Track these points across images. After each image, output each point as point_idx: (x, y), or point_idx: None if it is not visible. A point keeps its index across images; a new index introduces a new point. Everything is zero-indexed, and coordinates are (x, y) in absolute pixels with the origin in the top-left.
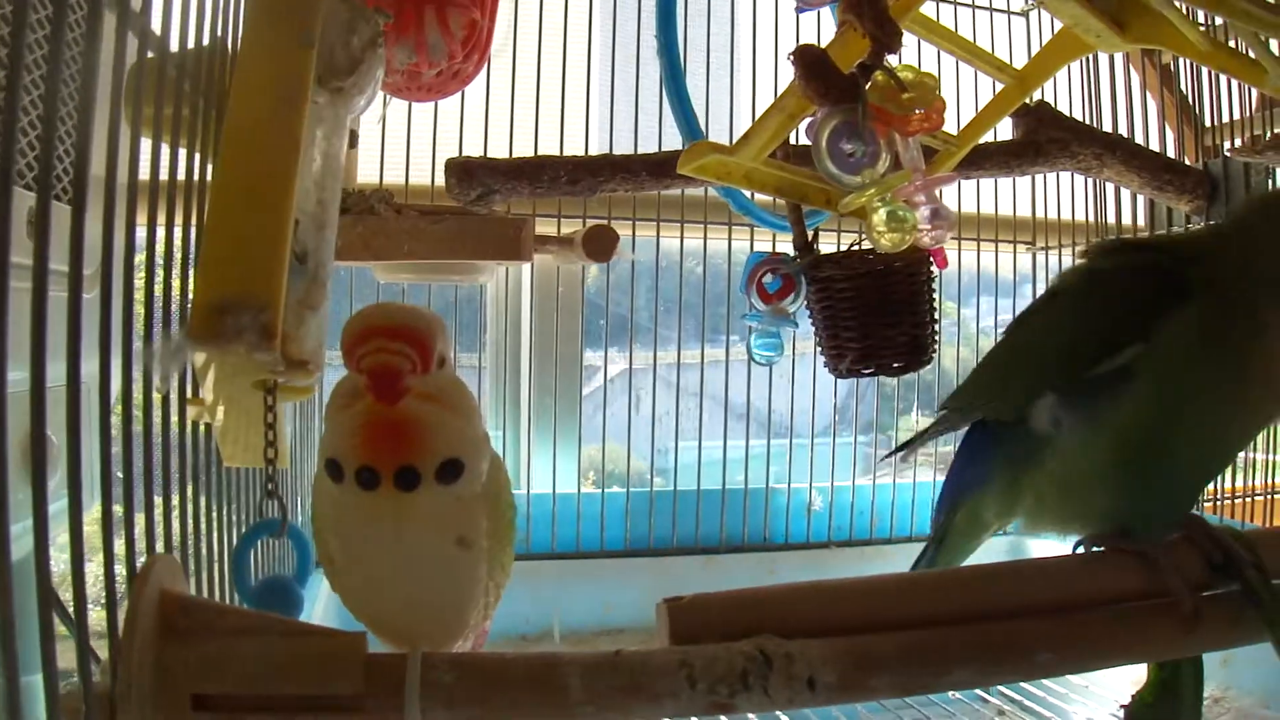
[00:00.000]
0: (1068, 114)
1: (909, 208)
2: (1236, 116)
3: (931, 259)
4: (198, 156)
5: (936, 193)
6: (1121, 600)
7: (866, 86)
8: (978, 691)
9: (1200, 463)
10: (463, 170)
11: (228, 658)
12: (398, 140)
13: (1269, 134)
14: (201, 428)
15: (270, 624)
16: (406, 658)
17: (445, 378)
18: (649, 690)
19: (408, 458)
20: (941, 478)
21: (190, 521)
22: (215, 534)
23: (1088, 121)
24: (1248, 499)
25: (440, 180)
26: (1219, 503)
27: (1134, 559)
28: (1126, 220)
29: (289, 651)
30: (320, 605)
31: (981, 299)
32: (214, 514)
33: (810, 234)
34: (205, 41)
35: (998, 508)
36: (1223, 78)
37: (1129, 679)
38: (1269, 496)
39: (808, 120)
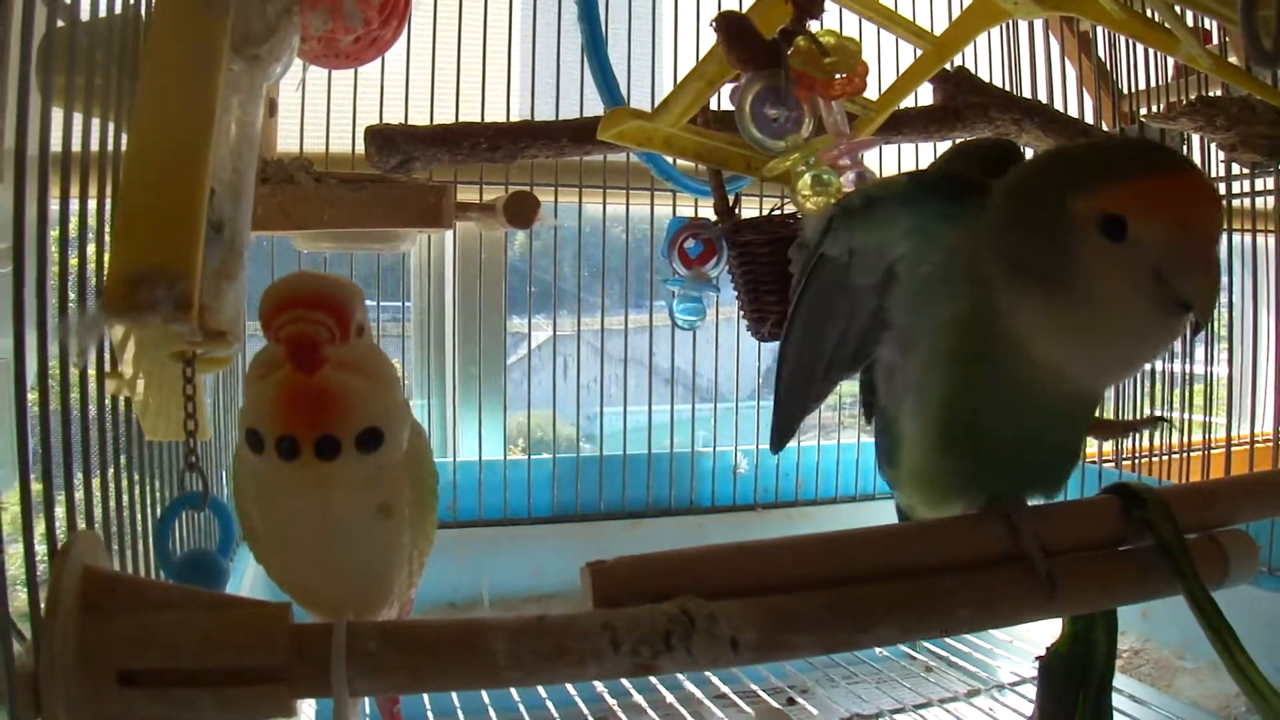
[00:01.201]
0: (987, 81)
1: (834, 171)
2: (1154, 83)
3: None
4: (112, 126)
5: (860, 156)
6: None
7: (789, 52)
8: (904, 648)
9: (1024, 438)
10: (382, 138)
11: (152, 632)
12: (318, 108)
13: (1185, 100)
14: (122, 402)
15: (194, 597)
16: (331, 627)
17: (364, 347)
18: (574, 653)
19: (327, 427)
20: (866, 439)
21: (113, 498)
22: (139, 509)
23: (1007, 88)
24: (1165, 457)
25: (361, 148)
26: (1137, 460)
27: (1002, 523)
28: None
29: (213, 624)
30: (249, 577)
31: None
32: (137, 489)
33: (731, 199)
34: (118, 9)
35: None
36: (1140, 44)
37: (1050, 633)
38: (1185, 454)
39: (730, 85)
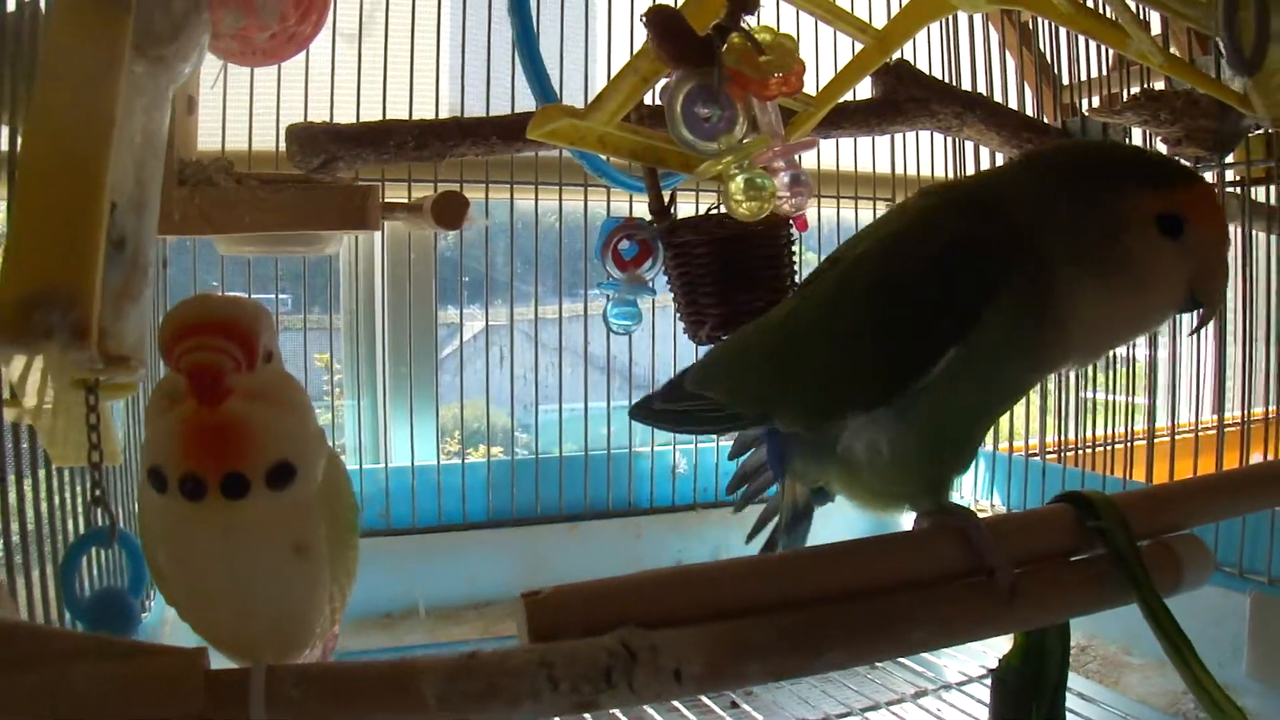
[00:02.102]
0: (927, 73)
1: (768, 174)
2: (1094, 75)
3: (791, 222)
4: (5, 131)
5: (796, 158)
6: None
7: (722, 49)
8: None
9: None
10: (305, 137)
11: (58, 686)
12: (240, 105)
13: (1126, 93)
14: (25, 429)
15: (105, 646)
16: (249, 672)
17: (272, 374)
18: (508, 692)
19: (234, 463)
20: None
21: (16, 535)
22: (48, 547)
23: (947, 81)
24: (1107, 447)
25: (285, 146)
26: (1079, 452)
27: (956, 537)
28: None
29: (124, 674)
30: (172, 611)
31: (831, 247)
32: (44, 526)
33: (667, 197)
34: (13, 6)
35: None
36: (1080, 36)
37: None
38: (1129, 444)
39: (663, 82)
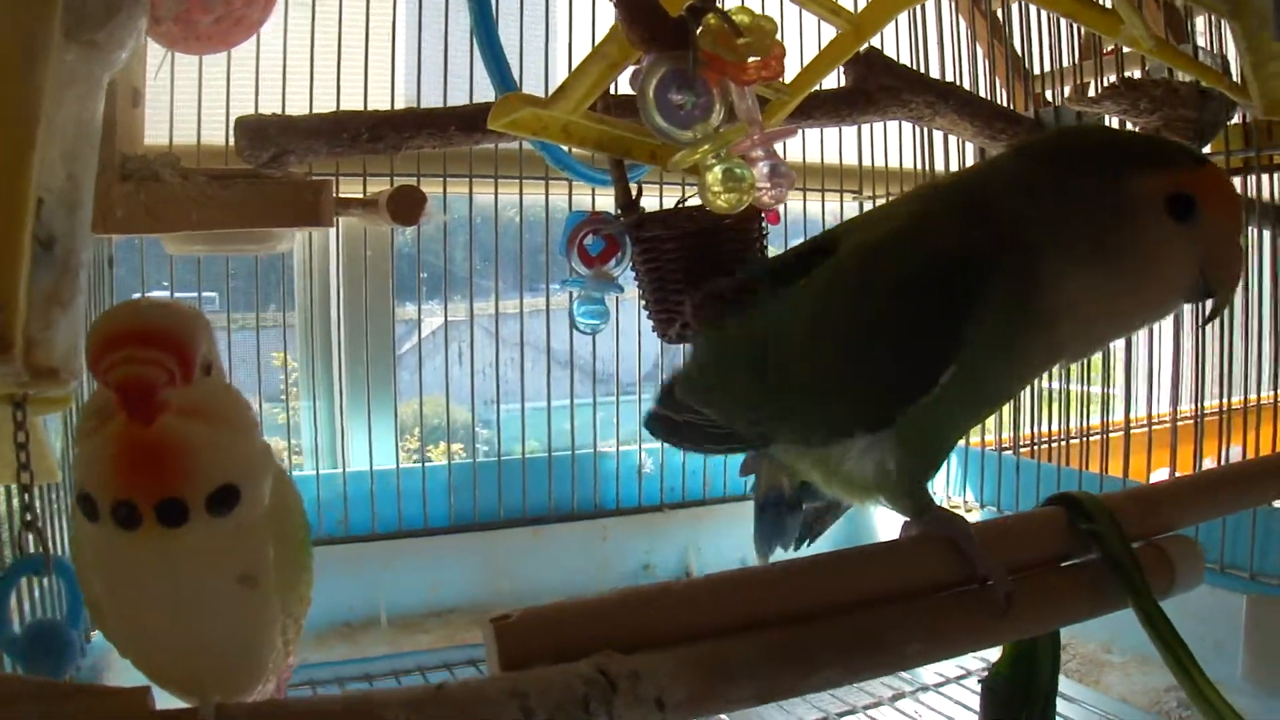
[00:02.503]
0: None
1: (746, 164)
2: (1062, 66)
3: (763, 215)
4: None
5: (776, 147)
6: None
7: (697, 31)
8: None
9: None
10: (254, 129)
11: None
12: (188, 97)
13: (1098, 83)
14: None
15: (45, 689)
16: (197, 713)
17: (212, 387)
18: None
19: (171, 488)
20: None
21: None
22: None
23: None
24: (1081, 440)
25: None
26: (1052, 446)
27: (946, 545)
28: (955, 167)
29: (62, 718)
30: None
31: (797, 238)
32: None
33: (634, 189)
34: None
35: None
36: (1048, 27)
37: None
38: (1105, 436)
39: (632, 69)
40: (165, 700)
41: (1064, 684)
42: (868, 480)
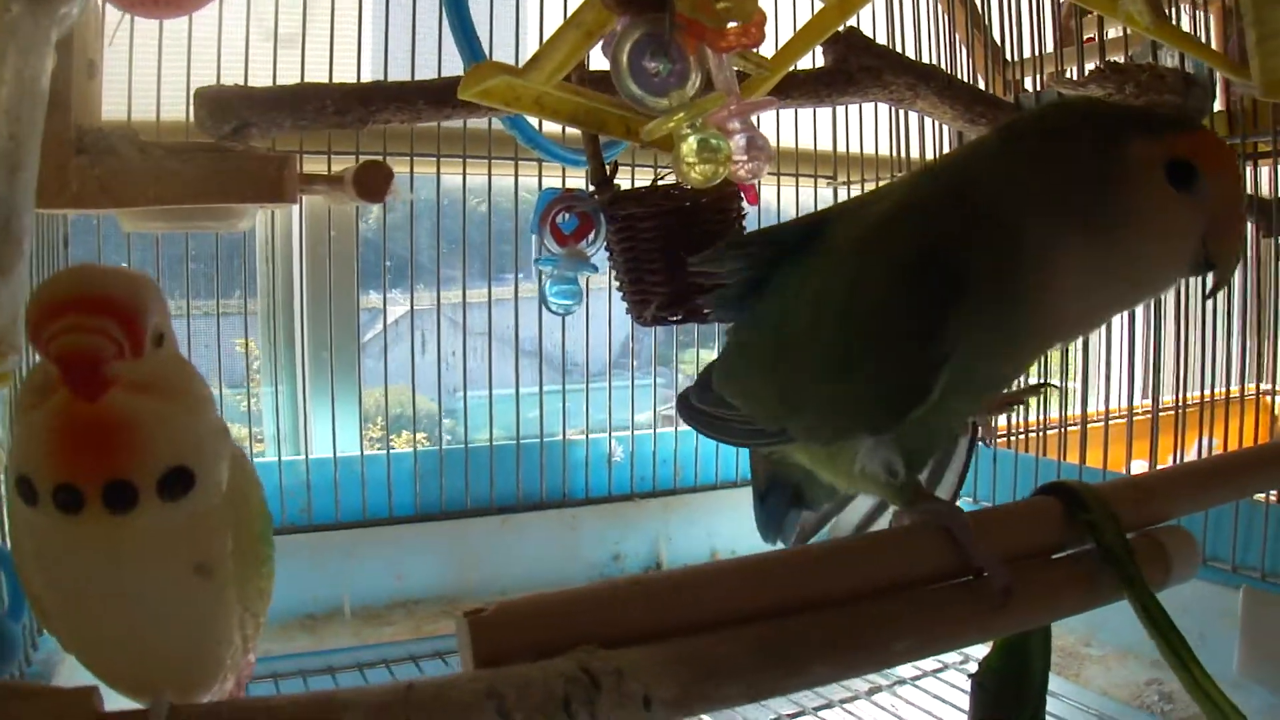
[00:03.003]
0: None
1: (722, 135)
2: (1039, 53)
3: (741, 194)
4: None
5: (753, 119)
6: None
7: None
8: None
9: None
10: (215, 101)
11: None
12: (147, 69)
13: (1075, 70)
14: None
15: None
16: (149, 714)
17: (164, 360)
18: None
19: (118, 470)
20: None
21: None
22: None
23: None
24: (1038, 434)
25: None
26: (1028, 436)
27: (940, 535)
28: (930, 153)
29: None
30: None
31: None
32: None
33: (609, 167)
34: None
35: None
36: (1027, 14)
37: None
38: (1063, 429)
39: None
40: (115, 701)
41: None
42: (878, 477)
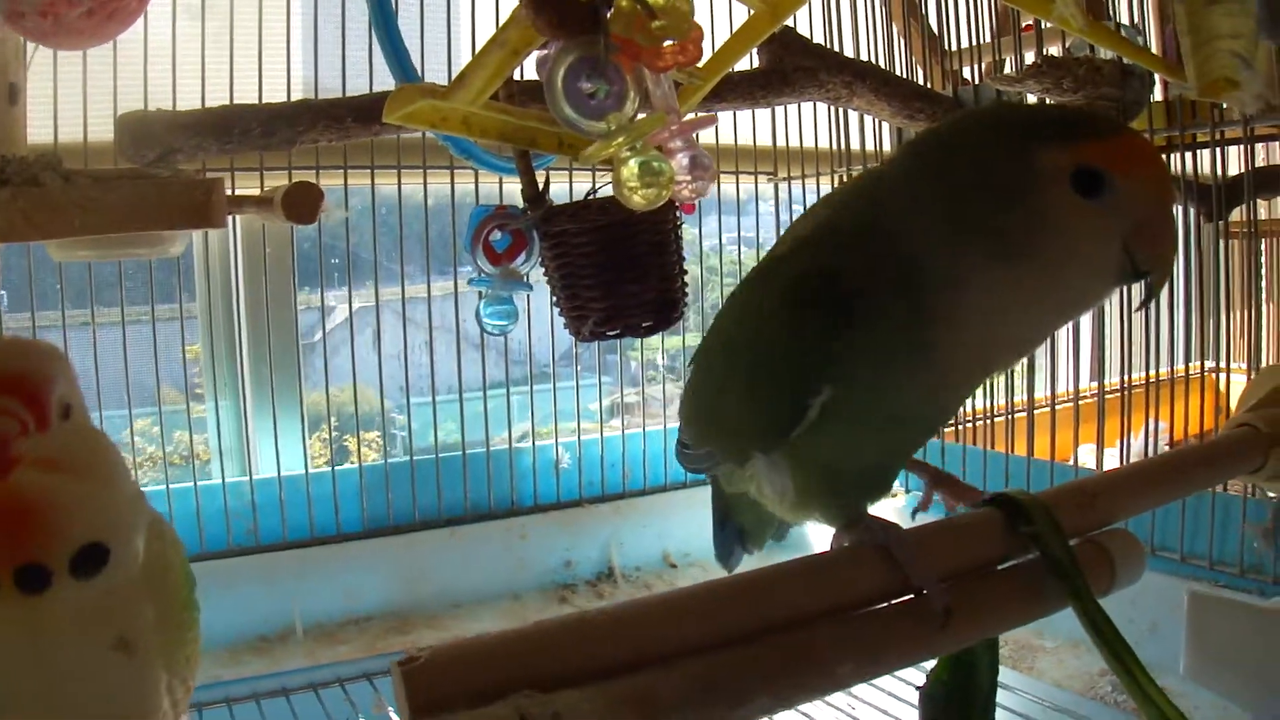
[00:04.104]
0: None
1: (664, 157)
2: (976, 43)
3: (677, 205)
4: None
5: (694, 137)
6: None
7: (608, 14)
8: None
9: (907, 437)
10: (137, 128)
11: None
12: (73, 92)
13: (1013, 59)
14: None
15: None
16: None
17: (72, 433)
18: None
19: (29, 552)
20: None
21: None
22: None
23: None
24: (986, 421)
25: None
26: (959, 427)
27: (880, 555)
28: (871, 147)
29: None
30: None
31: (710, 218)
32: None
33: (542, 180)
34: None
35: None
36: (964, 3)
37: None
38: (1010, 416)
39: (538, 54)
40: None
41: None
42: (774, 498)
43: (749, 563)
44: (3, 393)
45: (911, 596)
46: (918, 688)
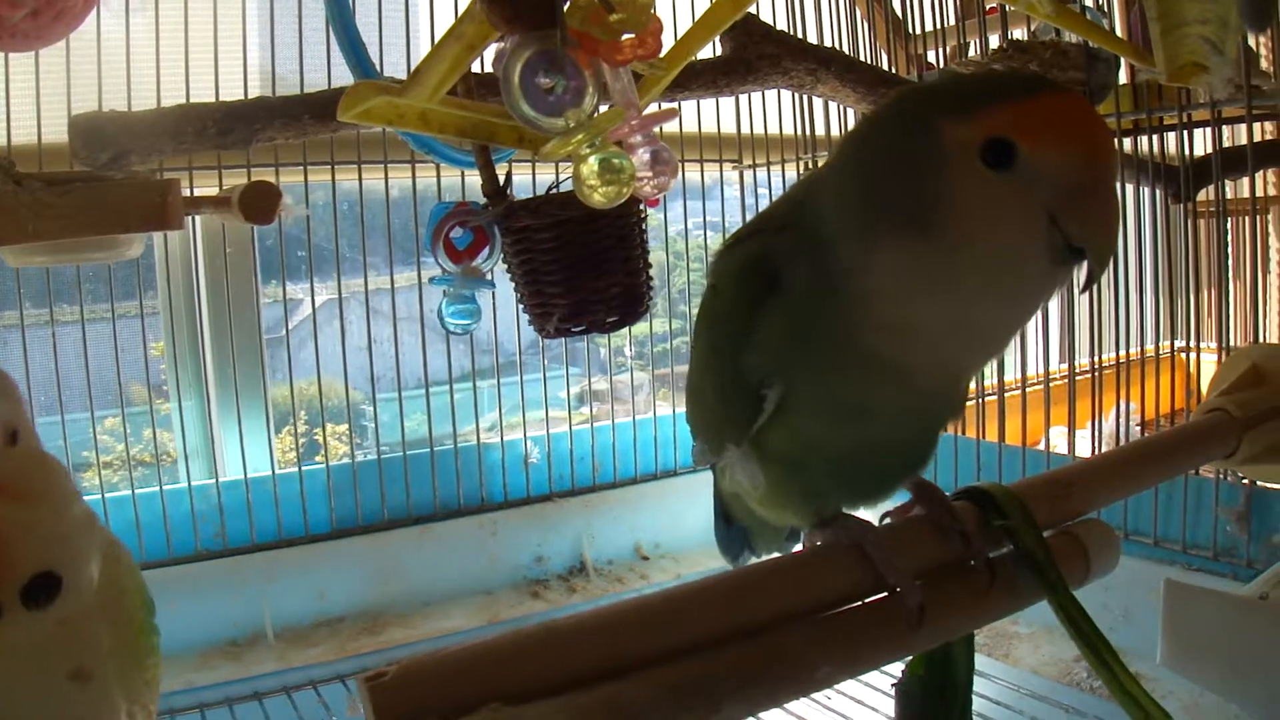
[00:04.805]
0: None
1: (624, 153)
2: (943, 25)
3: (641, 200)
4: None
5: (655, 131)
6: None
7: (565, 7)
8: None
9: (876, 435)
10: (89, 130)
11: None
12: (25, 93)
13: (977, 42)
14: None
15: None
16: None
17: (18, 459)
18: None
19: None
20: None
21: None
22: None
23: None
24: (976, 400)
25: None
26: None
27: (853, 554)
28: (836, 133)
29: None
30: None
31: (675, 203)
32: None
33: (502, 174)
34: None
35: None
36: None
37: None
38: (980, 400)
39: (495, 47)
40: None
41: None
42: (750, 492)
43: None
44: None
45: (885, 595)
46: (893, 682)
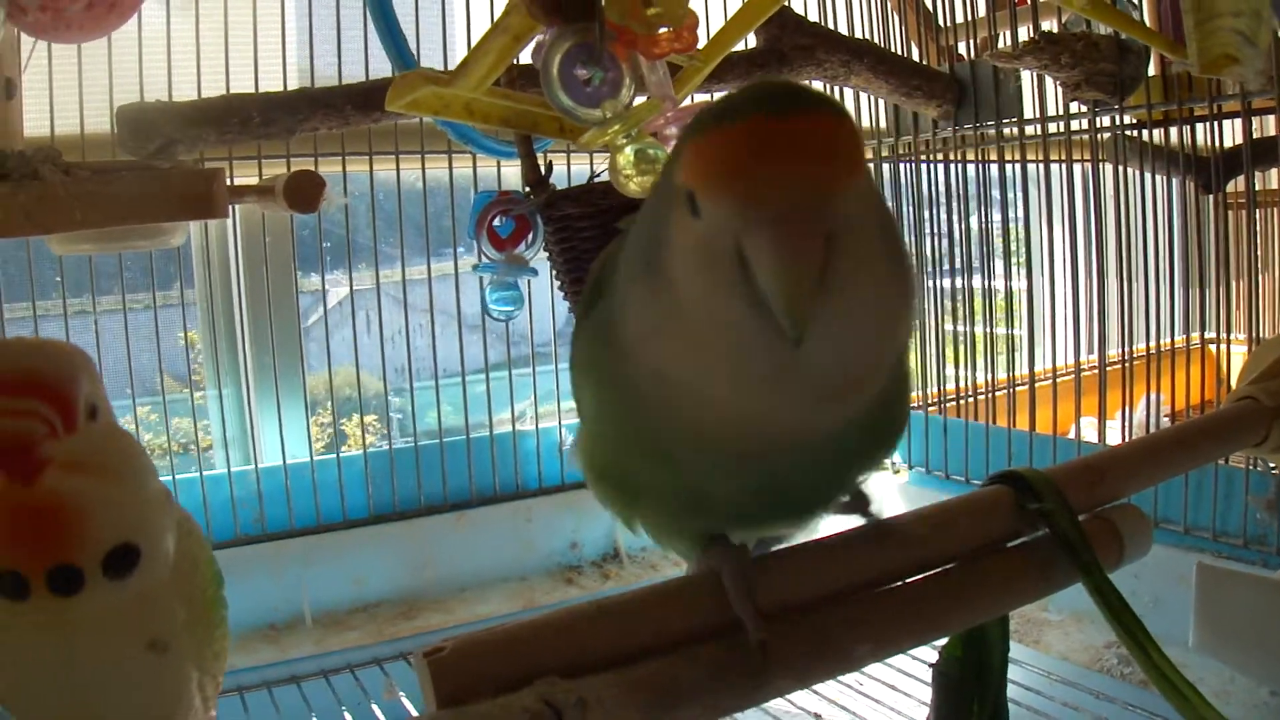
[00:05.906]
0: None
1: (660, 144)
2: (974, 18)
3: None
4: None
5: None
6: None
7: (604, 1)
8: None
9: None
10: (137, 120)
11: None
12: (69, 84)
13: (1009, 35)
14: None
15: None
16: None
17: (99, 434)
18: None
19: (61, 554)
20: None
21: None
22: None
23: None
24: (987, 396)
25: None
26: (960, 402)
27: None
28: (867, 124)
29: None
30: None
31: None
32: None
33: (543, 163)
34: None
35: None
36: None
37: None
38: (1012, 390)
39: (536, 40)
40: None
41: None
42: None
43: None
44: (29, 395)
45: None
46: (930, 665)
